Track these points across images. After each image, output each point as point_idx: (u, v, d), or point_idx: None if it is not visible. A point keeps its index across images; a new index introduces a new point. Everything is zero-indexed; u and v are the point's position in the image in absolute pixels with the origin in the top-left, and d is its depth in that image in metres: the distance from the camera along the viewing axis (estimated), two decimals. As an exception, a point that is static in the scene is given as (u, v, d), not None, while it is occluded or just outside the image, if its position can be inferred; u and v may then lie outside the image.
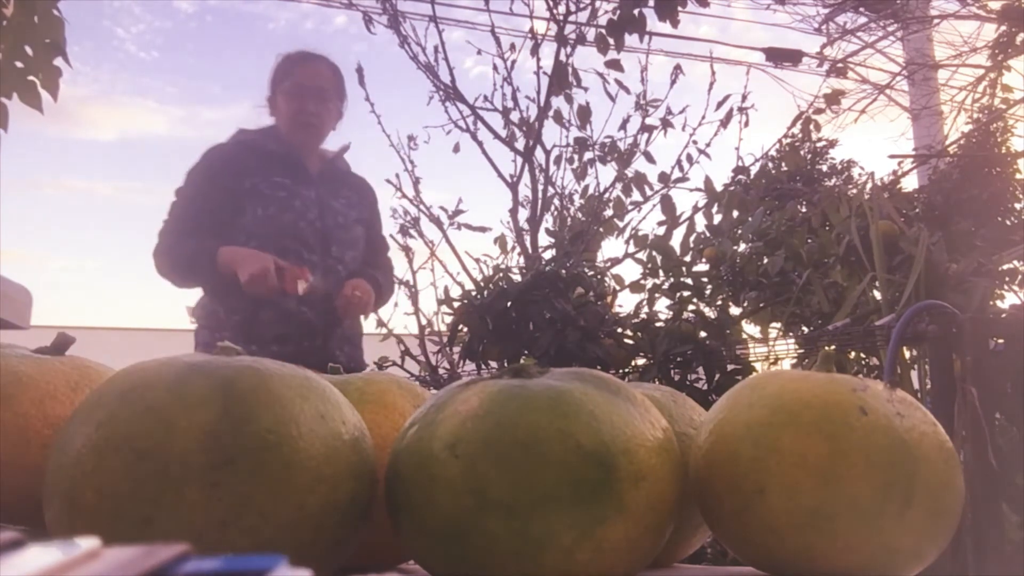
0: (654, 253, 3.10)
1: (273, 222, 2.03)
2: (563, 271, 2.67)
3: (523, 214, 3.80)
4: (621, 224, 3.70)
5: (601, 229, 3.66)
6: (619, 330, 2.70)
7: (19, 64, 2.05)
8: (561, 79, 3.62)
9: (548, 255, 3.47)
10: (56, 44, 2.07)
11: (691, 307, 2.92)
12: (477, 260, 3.49)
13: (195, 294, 2.15)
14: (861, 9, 5.67)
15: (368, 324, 2.44)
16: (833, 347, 2.15)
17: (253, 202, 2.04)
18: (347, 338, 2.12)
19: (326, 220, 2.12)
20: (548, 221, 3.90)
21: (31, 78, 2.07)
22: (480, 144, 3.71)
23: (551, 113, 3.75)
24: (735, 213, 3.29)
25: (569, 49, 3.61)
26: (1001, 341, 1.62)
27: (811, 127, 4.24)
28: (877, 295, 2.27)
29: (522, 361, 0.51)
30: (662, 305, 2.98)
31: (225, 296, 2.03)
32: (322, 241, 2.09)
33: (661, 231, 3.38)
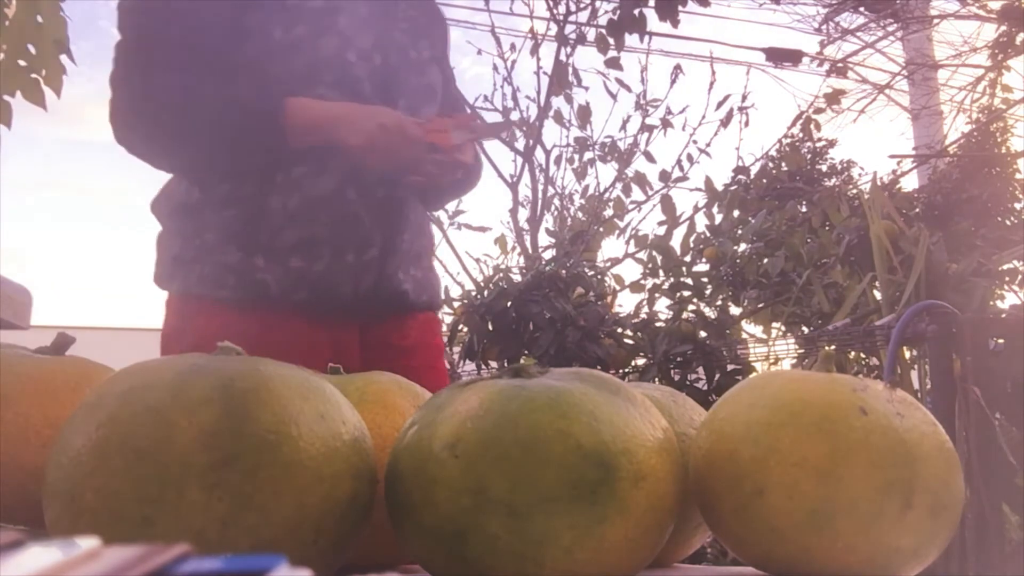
0: (654, 253, 3.10)
1: (302, 53, 1.20)
2: (563, 271, 2.67)
3: (523, 214, 3.80)
4: (621, 224, 3.71)
5: (601, 229, 3.66)
6: (619, 330, 2.70)
7: (22, 63, 2.06)
8: (561, 79, 3.62)
9: (548, 255, 3.48)
10: (60, 42, 2.07)
11: (691, 307, 2.93)
12: (477, 260, 3.49)
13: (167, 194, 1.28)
14: (861, 9, 5.67)
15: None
16: (833, 347, 2.15)
17: (266, 17, 1.19)
18: (416, 255, 1.32)
19: (389, 54, 1.28)
20: (548, 221, 3.90)
21: (34, 76, 2.07)
22: (480, 144, 3.71)
23: (551, 113, 3.75)
24: (735, 213, 3.29)
25: (569, 49, 3.61)
26: (1001, 341, 1.62)
27: (811, 127, 4.24)
28: (877, 295, 2.27)
29: (522, 361, 0.51)
30: (662, 305, 2.98)
31: (212, 170, 1.22)
32: (383, 90, 1.26)
33: (661, 231, 3.38)
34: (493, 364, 2.67)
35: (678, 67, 3.71)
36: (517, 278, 2.76)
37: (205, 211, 1.23)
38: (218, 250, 1.21)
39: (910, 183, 5.74)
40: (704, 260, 3.08)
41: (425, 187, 1.30)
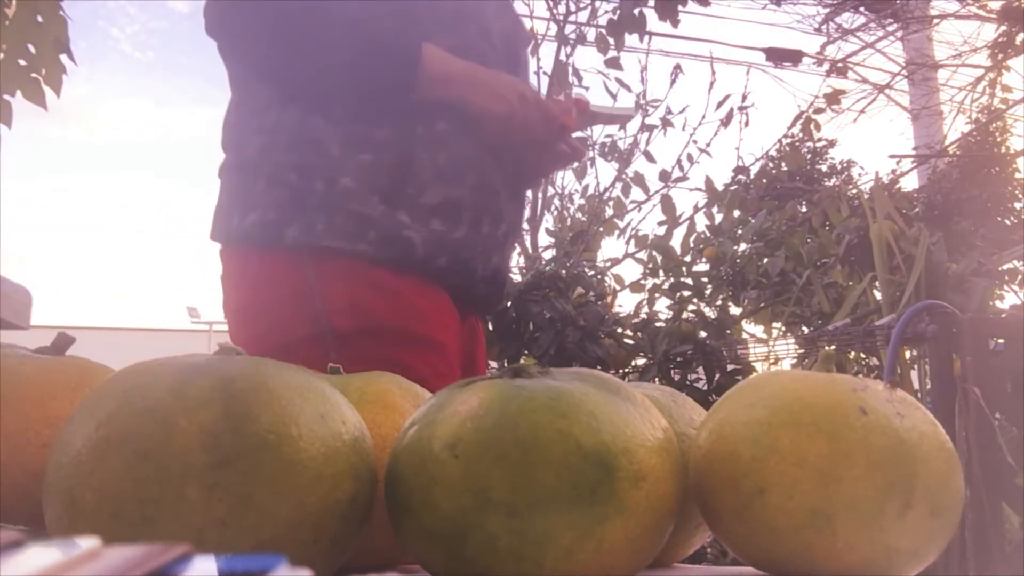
0: (654, 253, 3.11)
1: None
2: (563, 271, 2.66)
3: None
4: (621, 224, 3.71)
5: (601, 229, 3.66)
6: (619, 330, 2.70)
7: (22, 62, 2.06)
8: (561, 79, 3.62)
9: (548, 255, 3.47)
10: (60, 42, 2.08)
11: (691, 307, 2.93)
12: (477, 260, 3.48)
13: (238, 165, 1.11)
14: (861, 9, 5.67)
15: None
16: (833, 347, 2.15)
17: None
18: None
19: (508, 22, 1.22)
20: (548, 221, 3.90)
21: (34, 75, 2.07)
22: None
23: (551, 113, 3.74)
24: (735, 213, 3.29)
25: (569, 49, 3.61)
26: (1001, 341, 1.62)
27: (811, 127, 4.24)
28: (877, 295, 2.27)
29: (522, 361, 0.51)
30: (662, 305, 2.99)
31: (344, 104, 1.07)
32: (510, 57, 1.19)
33: (661, 231, 3.38)
34: (493, 364, 2.67)
35: (678, 67, 3.71)
36: (517, 278, 2.76)
37: (334, 150, 1.06)
38: (356, 198, 1.05)
39: (910, 183, 5.75)
40: (704, 260, 3.08)
41: (543, 169, 1.24)
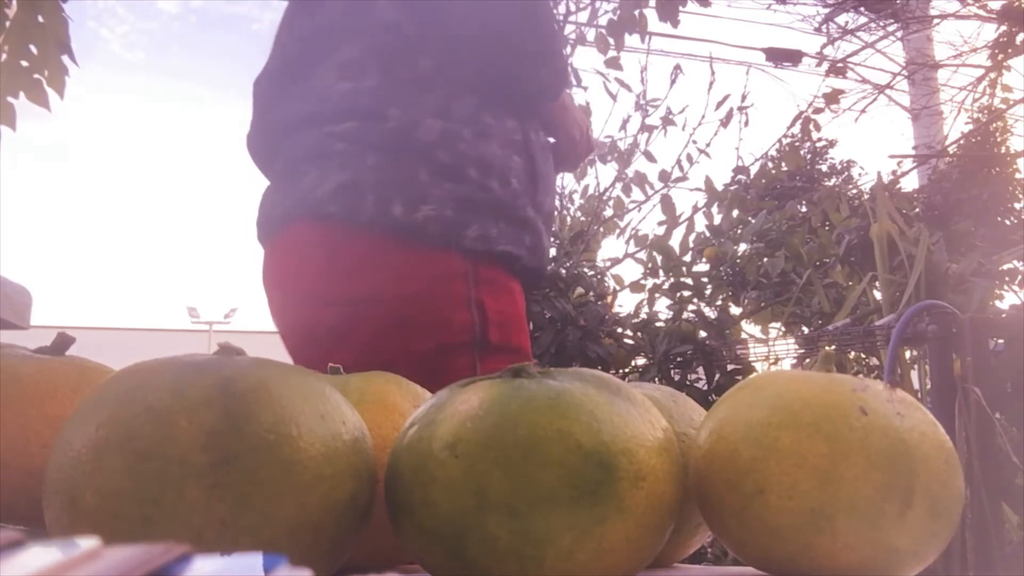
0: (654, 253, 3.10)
1: None
2: (563, 271, 2.66)
3: (523, 214, 3.78)
4: (621, 224, 3.70)
5: (601, 229, 3.66)
6: (619, 330, 2.70)
7: (24, 63, 2.05)
8: (561, 79, 3.60)
9: (548, 255, 3.47)
10: (61, 43, 2.07)
11: (691, 307, 2.93)
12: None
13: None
14: (861, 9, 5.67)
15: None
16: (833, 347, 2.15)
17: None
18: None
19: None
20: (548, 221, 3.89)
21: (37, 76, 2.07)
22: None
23: (551, 113, 3.74)
24: (735, 213, 3.29)
25: (569, 49, 3.60)
26: (1001, 341, 1.62)
27: (810, 127, 4.24)
28: (877, 295, 2.27)
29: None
30: (662, 305, 2.98)
31: (505, 100, 1.02)
32: None
33: (661, 231, 3.38)
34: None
35: (678, 67, 3.71)
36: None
37: (497, 147, 1.00)
38: (521, 199, 1.00)
39: (910, 183, 5.74)
40: (704, 260, 3.08)
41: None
